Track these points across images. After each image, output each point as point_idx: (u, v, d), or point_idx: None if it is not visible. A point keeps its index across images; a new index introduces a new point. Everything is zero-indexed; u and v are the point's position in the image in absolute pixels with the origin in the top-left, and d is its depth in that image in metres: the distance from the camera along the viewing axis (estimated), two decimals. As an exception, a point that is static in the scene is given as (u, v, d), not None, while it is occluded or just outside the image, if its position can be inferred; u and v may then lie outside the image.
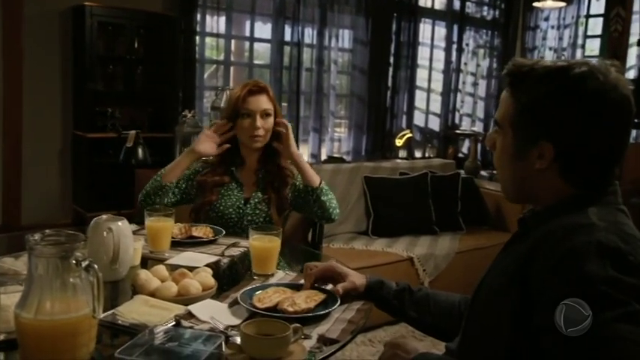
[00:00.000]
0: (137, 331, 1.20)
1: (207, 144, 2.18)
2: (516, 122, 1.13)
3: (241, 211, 2.17)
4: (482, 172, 5.83)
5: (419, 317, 1.44)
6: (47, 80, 4.69)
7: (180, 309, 1.34)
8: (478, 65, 7.11)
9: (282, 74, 5.61)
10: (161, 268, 1.56)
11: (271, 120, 2.19)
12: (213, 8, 5.22)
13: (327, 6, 5.76)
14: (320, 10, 5.74)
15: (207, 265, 1.66)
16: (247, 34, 5.60)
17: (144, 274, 1.48)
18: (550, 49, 7.11)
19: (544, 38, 7.18)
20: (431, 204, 3.98)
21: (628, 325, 0.90)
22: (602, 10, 6.56)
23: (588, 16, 6.83)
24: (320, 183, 2.13)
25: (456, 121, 6.99)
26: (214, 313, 1.34)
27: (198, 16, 5.11)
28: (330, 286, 1.52)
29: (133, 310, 1.31)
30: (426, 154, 6.76)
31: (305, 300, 1.39)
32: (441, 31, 6.79)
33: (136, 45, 4.88)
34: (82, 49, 4.59)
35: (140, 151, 3.63)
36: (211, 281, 1.50)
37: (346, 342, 1.28)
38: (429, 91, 6.79)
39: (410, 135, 6.43)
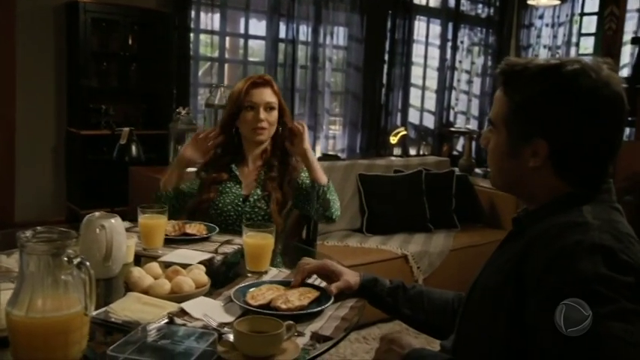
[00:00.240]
0: (130, 328, 1.20)
1: (194, 150, 2.17)
2: (510, 120, 1.13)
3: (240, 208, 2.15)
4: (477, 170, 5.84)
5: (412, 314, 1.44)
6: (40, 77, 4.66)
7: (173, 306, 1.33)
8: (473, 63, 7.12)
9: (277, 71, 5.60)
10: (154, 266, 1.56)
11: (275, 114, 2.16)
12: (207, 5, 5.21)
13: (321, 3, 5.75)
14: (315, 8, 5.73)
15: (200, 263, 1.65)
16: (242, 31, 5.58)
17: (137, 272, 1.47)
18: (544, 47, 7.13)
19: (538, 36, 7.20)
20: (425, 201, 3.98)
21: (619, 322, 0.91)
22: (596, 9, 6.58)
23: (582, 14, 6.85)
24: (328, 181, 2.12)
25: (451, 118, 7.00)
26: (207, 310, 1.33)
27: (193, 13, 5.10)
28: (323, 285, 1.52)
29: (125, 308, 1.31)
30: (421, 152, 6.77)
31: (298, 297, 1.39)
32: (435, 28, 6.80)
33: (129, 41, 4.86)
34: (75, 45, 4.57)
35: (134, 148, 3.62)
36: (204, 278, 1.50)
37: (339, 339, 1.28)
38: (423, 88, 6.80)
39: (404, 132, 6.43)
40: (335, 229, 3.76)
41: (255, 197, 2.16)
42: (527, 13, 7.24)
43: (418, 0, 6.50)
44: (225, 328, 1.25)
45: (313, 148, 5.85)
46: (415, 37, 6.56)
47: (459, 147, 6.91)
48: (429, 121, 6.88)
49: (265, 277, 1.63)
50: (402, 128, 6.45)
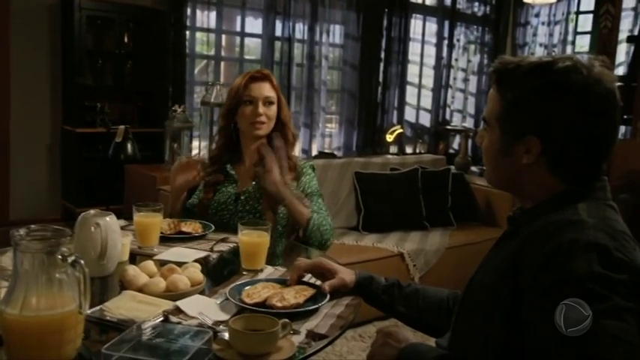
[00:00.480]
0: (125, 326, 1.19)
1: (183, 176, 2.16)
2: (503, 118, 1.14)
3: (232, 207, 2.13)
4: (473, 168, 5.85)
5: (408, 312, 1.44)
6: (36, 75, 4.65)
7: (168, 304, 1.33)
8: (469, 61, 7.13)
9: (273, 69, 5.59)
10: (149, 264, 1.55)
11: (274, 108, 2.14)
12: (203, 3, 5.19)
13: (317, 1, 5.74)
14: (311, 5, 5.72)
15: (196, 261, 1.65)
16: (238, 29, 5.57)
17: (132, 270, 1.47)
18: (540, 45, 7.14)
19: (534, 34, 7.21)
20: (421, 199, 3.99)
21: (612, 320, 0.91)
22: (591, 7, 6.58)
23: (578, 12, 6.86)
24: (309, 220, 2.01)
25: (447, 116, 7.00)
26: (203, 308, 1.33)
27: (189, 11, 5.08)
28: (319, 283, 1.51)
29: (120, 306, 1.30)
30: (417, 150, 6.77)
31: (294, 295, 1.38)
32: (432, 26, 6.80)
33: (125, 39, 4.85)
34: (70, 43, 4.56)
35: (129, 146, 3.61)
36: (200, 277, 1.49)
37: (335, 337, 1.28)
38: (419, 86, 6.80)
39: (401, 131, 6.43)
40: (331, 227, 3.76)
41: (247, 195, 2.13)
42: (523, 11, 7.25)
43: (414, -2, 6.51)
44: (221, 327, 1.24)
45: (309, 147, 5.89)
46: (411, 35, 6.55)
47: (455, 145, 6.91)
48: (425, 119, 6.88)
49: (261, 275, 1.62)
50: (399, 126, 6.45)
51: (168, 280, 1.43)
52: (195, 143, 4.82)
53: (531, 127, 1.09)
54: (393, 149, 6.45)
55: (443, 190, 4.13)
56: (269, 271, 1.68)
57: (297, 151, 5.87)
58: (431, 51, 6.80)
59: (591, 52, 6.06)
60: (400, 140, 6.48)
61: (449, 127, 6.91)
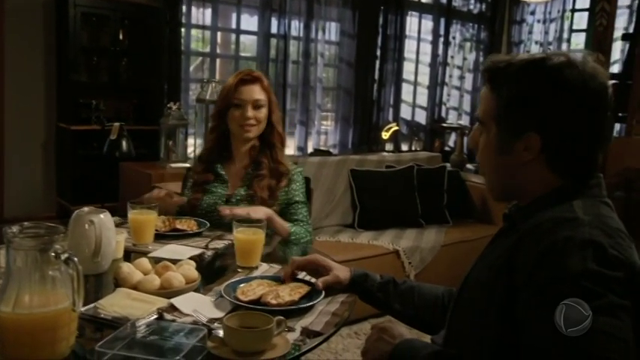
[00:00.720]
0: (119, 324, 1.19)
1: (166, 205, 2.07)
2: (500, 116, 1.13)
3: None
4: (469, 166, 5.86)
5: (403, 310, 1.44)
6: (30, 72, 4.63)
7: (162, 302, 1.33)
8: (465, 59, 7.13)
9: (269, 67, 5.59)
10: (144, 261, 1.55)
11: (264, 111, 2.14)
12: (198, 0, 5.18)
13: (313, -2, 5.75)
14: (306, 3, 5.71)
15: (190, 258, 1.65)
16: (234, 26, 5.56)
17: (126, 267, 1.46)
18: (536, 42, 7.15)
19: (530, 32, 7.22)
20: (417, 197, 3.99)
21: (606, 317, 0.91)
22: (587, 5, 6.60)
23: (574, 10, 6.87)
24: (289, 235, 2.04)
25: (443, 114, 7.01)
26: (197, 306, 1.32)
27: (184, 8, 5.07)
28: (314, 281, 1.51)
29: (114, 304, 1.30)
30: (413, 147, 6.77)
31: (289, 293, 1.38)
32: (427, 24, 6.80)
33: (120, 36, 4.84)
34: (65, 40, 4.54)
35: (124, 143, 3.60)
36: (195, 274, 1.49)
37: (330, 335, 1.28)
38: (415, 84, 6.80)
39: (396, 128, 6.43)
40: (327, 224, 3.76)
41: (238, 197, 2.12)
42: (518, 9, 7.26)
43: (410, -4, 6.51)
44: (215, 324, 1.24)
45: (305, 144, 5.89)
46: (407, 32, 6.55)
47: (451, 142, 6.92)
48: (421, 117, 6.88)
49: (256, 273, 1.62)
50: (394, 124, 6.45)
51: (163, 278, 1.43)
52: (190, 141, 4.81)
53: (531, 124, 1.09)
54: (389, 147, 6.45)
55: (438, 188, 4.13)
56: (264, 268, 1.68)
57: (292, 148, 5.90)
58: (427, 48, 6.81)
59: (587, 49, 6.07)
60: (396, 138, 6.49)
61: (444, 124, 6.92)
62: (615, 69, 5.87)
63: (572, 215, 1.03)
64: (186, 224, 1.98)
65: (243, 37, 5.69)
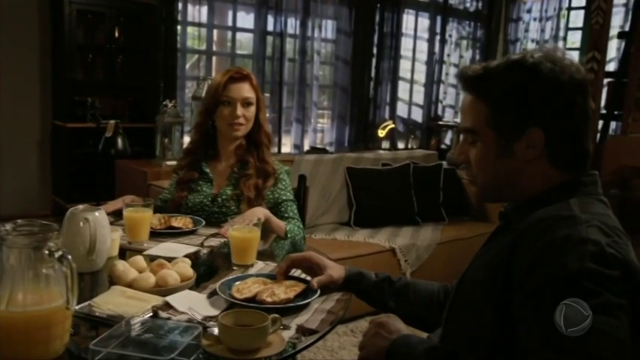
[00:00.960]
0: (114, 322, 1.18)
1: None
2: (496, 120, 1.12)
3: (208, 208, 2.11)
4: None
5: (399, 307, 1.43)
6: (25, 70, 4.61)
7: (157, 300, 1.32)
8: (461, 57, 7.13)
9: (265, 65, 5.58)
10: (139, 259, 1.54)
11: (252, 109, 2.13)
12: (194, -3, 5.17)
13: (310, -4, 5.74)
14: (303, 0, 5.70)
15: (186, 256, 1.64)
16: (230, 23, 5.55)
17: (121, 265, 1.46)
18: (532, 41, 7.16)
19: (526, 30, 7.22)
20: (413, 195, 3.99)
21: (603, 316, 0.91)
22: (583, 3, 6.58)
23: (570, 8, 6.88)
24: (286, 233, 2.03)
25: (439, 112, 7.01)
26: (192, 303, 1.32)
27: (180, 5, 5.06)
28: (309, 278, 1.51)
29: (109, 302, 1.30)
30: (409, 145, 6.78)
31: (284, 291, 1.38)
32: (424, 22, 6.80)
33: (116, 34, 4.82)
34: (60, 37, 4.52)
35: (120, 141, 3.58)
36: (190, 272, 1.49)
37: (325, 332, 1.27)
38: (412, 82, 6.80)
39: (393, 126, 6.43)
40: (323, 222, 3.76)
41: (224, 197, 2.11)
42: (515, 6, 7.27)
43: (406, -7, 6.50)
44: (210, 322, 1.23)
45: (301, 142, 5.88)
46: (404, 30, 6.55)
47: (447, 140, 6.92)
48: (417, 115, 6.88)
49: (251, 271, 1.62)
50: (390, 122, 6.45)
51: (158, 276, 1.42)
52: (186, 138, 4.79)
53: (531, 120, 1.09)
54: (385, 145, 6.45)
55: (435, 186, 4.13)
56: (259, 266, 1.67)
57: (288, 146, 5.89)
58: (423, 46, 6.80)
59: (583, 47, 6.08)
60: (392, 136, 6.49)
61: (441, 122, 6.92)
62: (611, 67, 5.87)
63: (569, 213, 1.03)
64: (182, 222, 1.97)
65: (239, 35, 5.68)
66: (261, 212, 1.94)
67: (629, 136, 4.67)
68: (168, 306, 1.30)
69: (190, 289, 1.44)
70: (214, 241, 1.86)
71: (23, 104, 4.62)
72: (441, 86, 6.98)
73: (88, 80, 4.75)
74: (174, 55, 5.03)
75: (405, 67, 6.69)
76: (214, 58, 5.59)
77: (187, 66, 5.34)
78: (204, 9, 5.25)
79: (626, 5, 6.28)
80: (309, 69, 5.90)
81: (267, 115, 2.23)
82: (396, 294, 1.44)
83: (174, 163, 3.90)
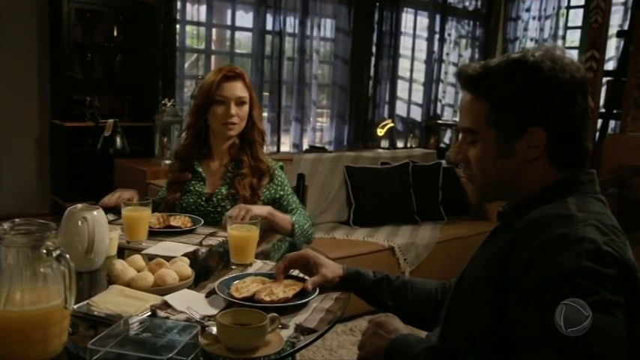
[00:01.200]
0: (112, 321, 1.18)
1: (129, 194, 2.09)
2: (496, 119, 1.12)
3: (202, 208, 2.10)
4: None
5: (397, 306, 1.43)
6: (24, 68, 4.61)
7: (156, 299, 1.32)
8: (460, 55, 7.13)
9: (264, 63, 5.58)
10: (137, 258, 1.54)
11: (246, 108, 2.11)
12: (193, -4, 5.17)
13: (309, -5, 5.73)
14: (302, -1, 5.70)
15: (184, 255, 1.64)
16: (229, 22, 5.55)
17: (119, 264, 1.46)
18: (531, 39, 7.16)
19: (525, 29, 7.22)
20: (412, 194, 3.99)
21: (599, 314, 0.91)
22: (582, 2, 6.58)
23: (569, 7, 6.89)
24: (293, 225, 2.03)
25: (438, 111, 7.01)
26: (191, 303, 1.32)
27: (179, 4, 5.06)
28: (307, 277, 1.50)
29: (107, 301, 1.29)
30: (408, 144, 6.78)
31: (283, 290, 1.38)
32: (423, 21, 6.80)
33: (115, 32, 4.82)
34: (59, 36, 4.52)
35: (118, 140, 3.57)
36: (188, 271, 1.48)
37: (324, 332, 1.27)
38: (411, 81, 6.80)
39: (392, 125, 6.43)
40: (322, 221, 3.76)
41: (220, 197, 2.10)
42: (514, 5, 7.27)
43: (405, -8, 6.50)
44: (209, 321, 1.23)
45: (300, 141, 5.88)
46: (403, 29, 6.55)
47: (446, 139, 6.93)
48: (416, 114, 6.88)
49: (250, 270, 1.61)
50: (389, 120, 6.45)
51: (157, 275, 1.42)
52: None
53: (532, 119, 1.09)
54: (384, 143, 6.45)
55: (434, 184, 4.13)
56: (258, 265, 1.67)
57: (287, 145, 5.89)
58: (422, 45, 6.81)
59: (582, 46, 6.08)
60: (391, 134, 6.49)
61: (440, 121, 6.92)
62: (610, 66, 5.87)
63: (567, 212, 1.03)
64: (181, 221, 1.97)
65: (238, 34, 5.68)
66: (265, 210, 1.94)
67: (627, 134, 4.68)
68: (166, 305, 1.30)
69: (189, 288, 1.43)
70: (213, 240, 1.86)
71: (22, 103, 4.62)
72: (440, 85, 6.98)
73: (86, 79, 4.75)
74: (173, 54, 5.03)
75: (404, 65, 6.70)
76: (213, 57, 5.59)
77: (186, 65, 5.34)
78: (203, 8, 5.25)
79: (625, 4, 6.28)
80: (308, 68, 5.90)
81: (266, 114, 2.22)
82: (394, 293, 1.44)
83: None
